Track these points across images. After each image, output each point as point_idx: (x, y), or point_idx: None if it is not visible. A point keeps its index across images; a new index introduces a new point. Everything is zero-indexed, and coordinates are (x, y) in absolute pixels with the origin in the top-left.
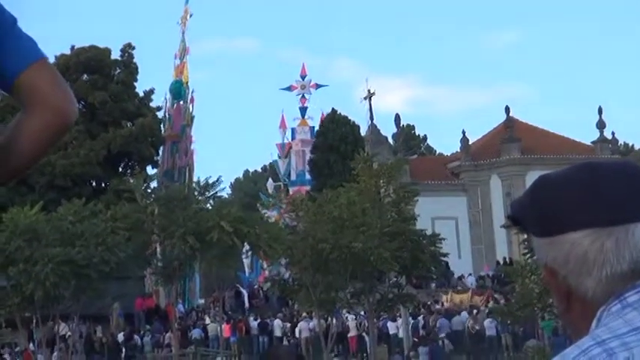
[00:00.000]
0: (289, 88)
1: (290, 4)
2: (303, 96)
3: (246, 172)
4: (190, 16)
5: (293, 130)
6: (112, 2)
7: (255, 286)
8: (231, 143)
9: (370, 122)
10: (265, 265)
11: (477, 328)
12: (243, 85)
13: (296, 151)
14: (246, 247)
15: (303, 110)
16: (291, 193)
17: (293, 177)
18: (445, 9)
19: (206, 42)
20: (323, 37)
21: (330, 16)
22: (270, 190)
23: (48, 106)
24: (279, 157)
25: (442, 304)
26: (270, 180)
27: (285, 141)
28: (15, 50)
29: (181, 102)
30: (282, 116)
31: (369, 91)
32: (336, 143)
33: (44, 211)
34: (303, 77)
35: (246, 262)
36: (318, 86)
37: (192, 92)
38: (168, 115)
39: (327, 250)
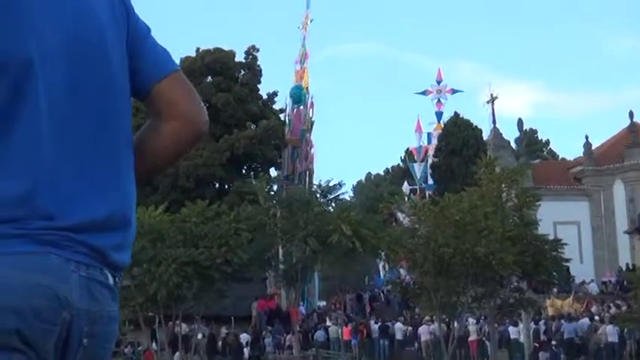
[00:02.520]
0: (424, 93)
1: (411, 8)
2: (438, 100)
3: (369, 175)
4: (311, 21)
5: (429, 135)
6: (237, 6)
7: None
8: (354, 146)
9: (492, 126)
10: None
11: (600, 334)
12: (364, 89)
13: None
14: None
15: (439, 115)
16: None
17: (430, 181)
18: (569, 13)
19: (327, 48)
20: (446, 41)
21: (453, 20)
22: (405, 193)
23: (184, 117)
24: (415, 161)
25: (545, 310)
26: (405, 183)
27: (422, 144)
28: (152, 60)
29: (301, 107)
30: (418, 120)
31: (491, 95)
32: (459, 147)
33: (168, 211)
34: (438, 82)
35: (381, 264)
36: (453, 91)
37: (311, 97)
38: (289, 119)
39: (449, 254)
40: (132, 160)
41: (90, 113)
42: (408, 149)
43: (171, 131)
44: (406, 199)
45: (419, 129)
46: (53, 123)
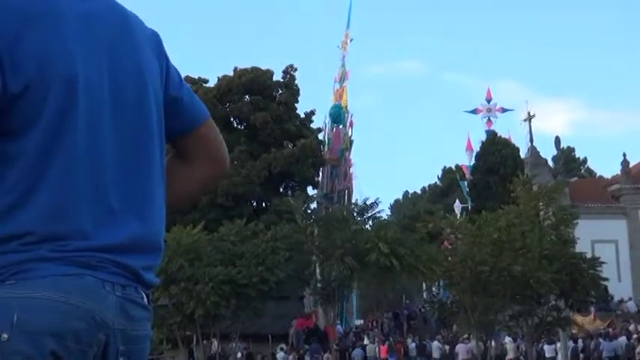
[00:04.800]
0: (475, 111)
1: (451, 28)
2: (489, 119)
3: (406, 193)
4: (351, 40)
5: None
6: (275, 25)
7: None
8: (391, 165)
9: (530, 144)
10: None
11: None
12: (400, 107)
13: None
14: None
15: (490, 133)
16: None
17: None
18: (607, 32)
19: (363, 67)
20: (483, 60)
21: (490, 39)
22: (457, 212)
23: (218, 161)
24: (466, 179)
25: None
26: (457, 201)
27: (471, 163)
28: (191, 105)
29: (340, 126)
30: (469, 138)
31: (529, 113)
32: (496, 165)
33: (206, 230)
34: (488, 101)
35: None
36: (503, 110)
37: (351, 116)
38: (328, 138)
39: (486, 272)
40: (164, 190)
41: (128, 139)
42: (445, 167)
43: (205, 171)
44: (450, 216)
45: (470, 147)
46: (94, 143)
